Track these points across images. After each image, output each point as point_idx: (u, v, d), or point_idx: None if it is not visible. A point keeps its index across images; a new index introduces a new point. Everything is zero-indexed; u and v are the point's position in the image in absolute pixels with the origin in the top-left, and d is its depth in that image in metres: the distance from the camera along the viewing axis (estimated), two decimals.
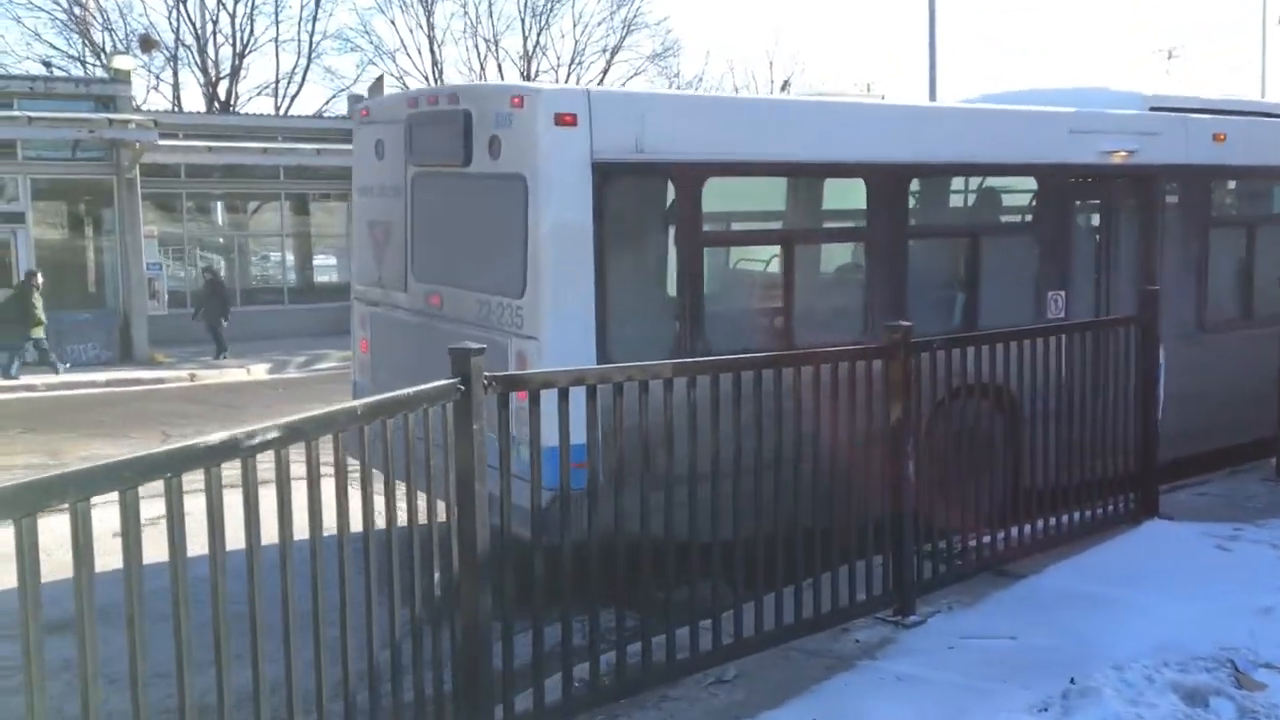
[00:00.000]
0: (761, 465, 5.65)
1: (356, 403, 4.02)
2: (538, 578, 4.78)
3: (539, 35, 39.60)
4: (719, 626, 5.54)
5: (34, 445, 13.24)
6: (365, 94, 31.18)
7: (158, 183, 22.72)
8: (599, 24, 41.50)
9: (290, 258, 27.14)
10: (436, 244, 8.01)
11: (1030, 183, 9.02)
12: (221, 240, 26.95)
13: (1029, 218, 9.22)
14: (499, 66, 38.25)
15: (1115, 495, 7.93)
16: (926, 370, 6.43)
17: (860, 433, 6.19)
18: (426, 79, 38.55)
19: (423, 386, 4.17)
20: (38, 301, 18.87)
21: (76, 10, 34.14)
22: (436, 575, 4.31)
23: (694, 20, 69.18)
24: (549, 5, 39.57)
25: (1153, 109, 9.80)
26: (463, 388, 4.35)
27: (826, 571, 6.11)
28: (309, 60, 38.11)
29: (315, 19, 38.03)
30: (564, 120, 6.81)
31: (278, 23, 38.45)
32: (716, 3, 68.11)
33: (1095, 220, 9.62)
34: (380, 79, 9.31)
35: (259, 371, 20.50)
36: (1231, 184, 10.34)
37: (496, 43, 38.88)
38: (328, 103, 39.02)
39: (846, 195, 8.09)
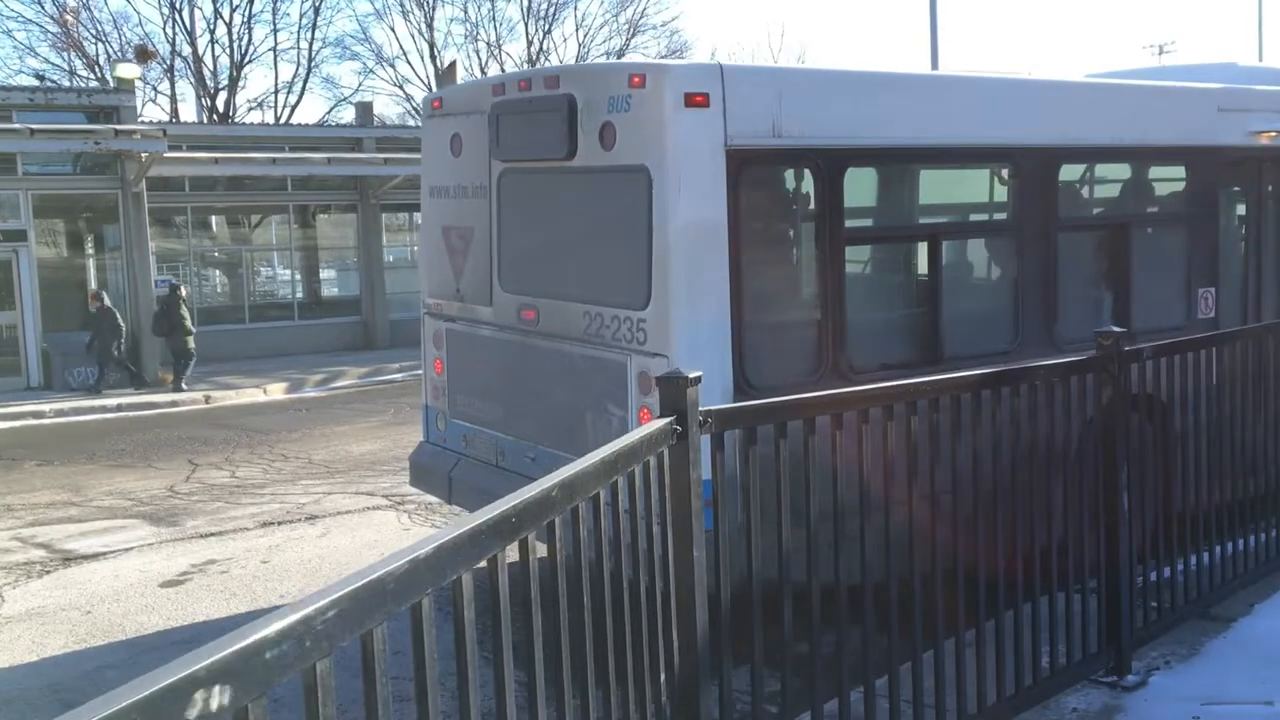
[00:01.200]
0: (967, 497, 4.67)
1: (539, 487, 2.73)
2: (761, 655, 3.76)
3: (542, 39, 38.66)
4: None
5: (53, 479, 12.18)
6: (357, 103, 30.39)
7: (160, 196, 21.62)
8: (602, 26, 40.43)
9: (298, 272, 26.09)
10: (530, 250, 7.01)
11: (1179, 168, 8.07)
12: (224, 255, 25.89)
13: (1178, 207, 8.25)
14: (501, 71, 37.22)
15: None
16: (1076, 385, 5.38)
17: (1058, 458, 5.20)
18: (428, 86, 37.51)
19: (629, 439, 3.12)
20: (185, 313, 19.05)
21: (66, 20, 33.02)
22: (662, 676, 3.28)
23: (699, 19, 68.49)
24: (551, 9, 38.63)
25: None
26: (679, 428, 3.34)
27: (1020, 609, 5.10)
28: (309, 69, 37.13)
29: (315, 27, 37.04)
30: (695, 101, 5.82)
31: (276, 31, 37.43)
32: (721, 1, 67.41)
33: (1244, 209, 8.66)
34: (453, 65, 8.46)
35: (276, 391, 19.44)
36: None
37: (499, 47, 37.88)
38: (329, 112, 38.05)
39: (1000, 184, 7.13)
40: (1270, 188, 8.58)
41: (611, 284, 6.29)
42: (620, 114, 6.05)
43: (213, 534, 9.59)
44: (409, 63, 39.47)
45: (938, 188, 7.40)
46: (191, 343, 19.18)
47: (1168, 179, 8.25)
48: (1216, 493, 6.22)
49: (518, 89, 6.87)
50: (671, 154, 5.83)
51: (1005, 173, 7.18)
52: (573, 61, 38.44)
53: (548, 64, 38.53)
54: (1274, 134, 8.28)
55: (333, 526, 9.72)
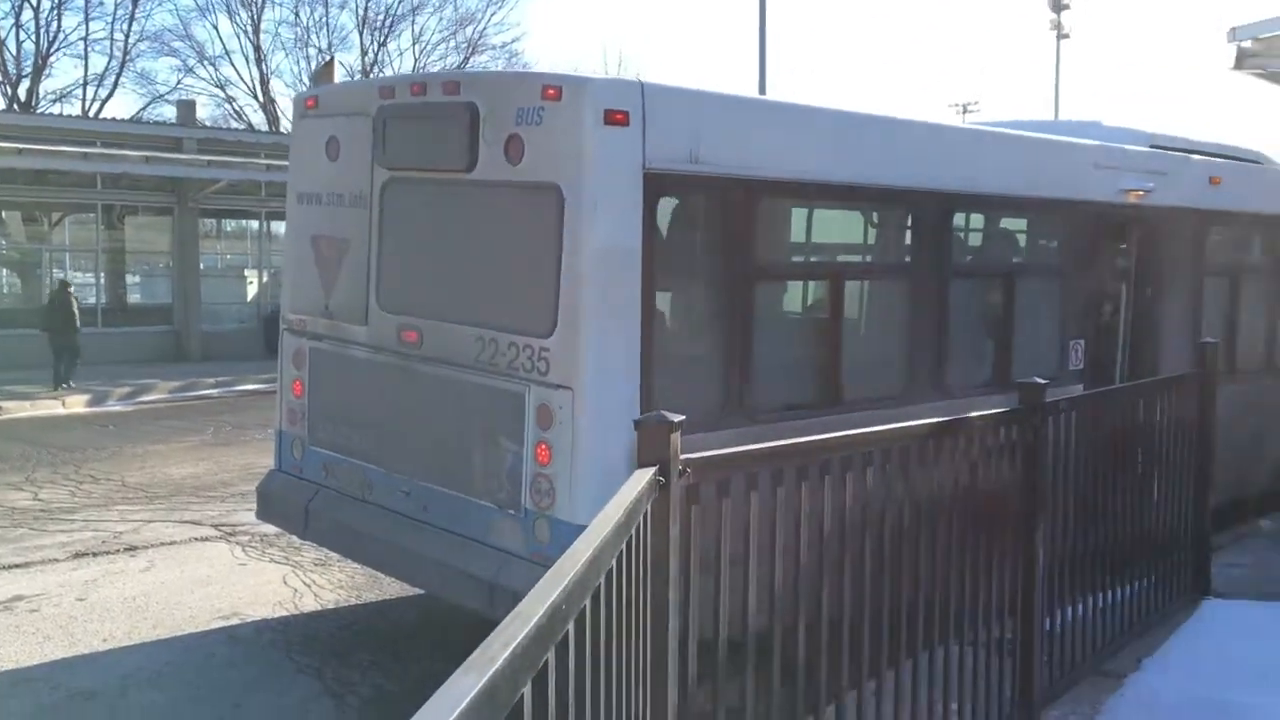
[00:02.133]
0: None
1: (574, 566, 2.06)
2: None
3: (377, 51, 37.55)
4: None
5: None
6: (179, 101, 28.67)
7: None
8: (440, 42, 39.52)
9: (103, 276, 24.23)
10: (415, 267, 6.45)
11: (1057, 221, 8.19)
12: (18, 254, 23.86)
13: (1054, 259, 8.39)
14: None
15: (1169, 570, 7.09)
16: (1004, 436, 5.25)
17: (977, 511, 5.05)
18: (253, 91, 35.91)
19: (630, 493, 2.67)
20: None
21: None
22: None
23: (540, 42, 68.32)
24: (388, 21, 37.58)
25: (1153, 146, 9.17)
26: (662, 480, 2.93)
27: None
28: (123, 62, 34.86)
29: (133, 19, 34.86)
30: (614, 119, 5.44)
31: (88, 20, 35.01)
32: (560, 23, 67.41)
33: (1113, 264, 8.88)
34: (330, 63, 7.84)
35: (76, 404, 17.88)
36: (1229, 228, 9.82)
37: (332, 56, 36.52)
38: (143, 109, 35.82)
39: (901, 227, 7.02)
40: (1137, 245, 8.83)
41: (510, 308, 5.82)
42: (530, 127, 5.62)
43: (17, 565, 8.53)
44: (232, 64, 37.75)
45: (845, 228, 7.26)
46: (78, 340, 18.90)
47: (1046, 231, 8.37)
48: (1097, 543, 6.21)
49: (410, 93, 6.33)
50: (588, 174, 5.43)
51: (906, 216, 7.09)
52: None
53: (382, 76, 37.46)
54: (1142, 193, 8.53)
55: (157, 559, 8.80)
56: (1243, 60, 11.11)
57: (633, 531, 2.65)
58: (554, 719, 1.77)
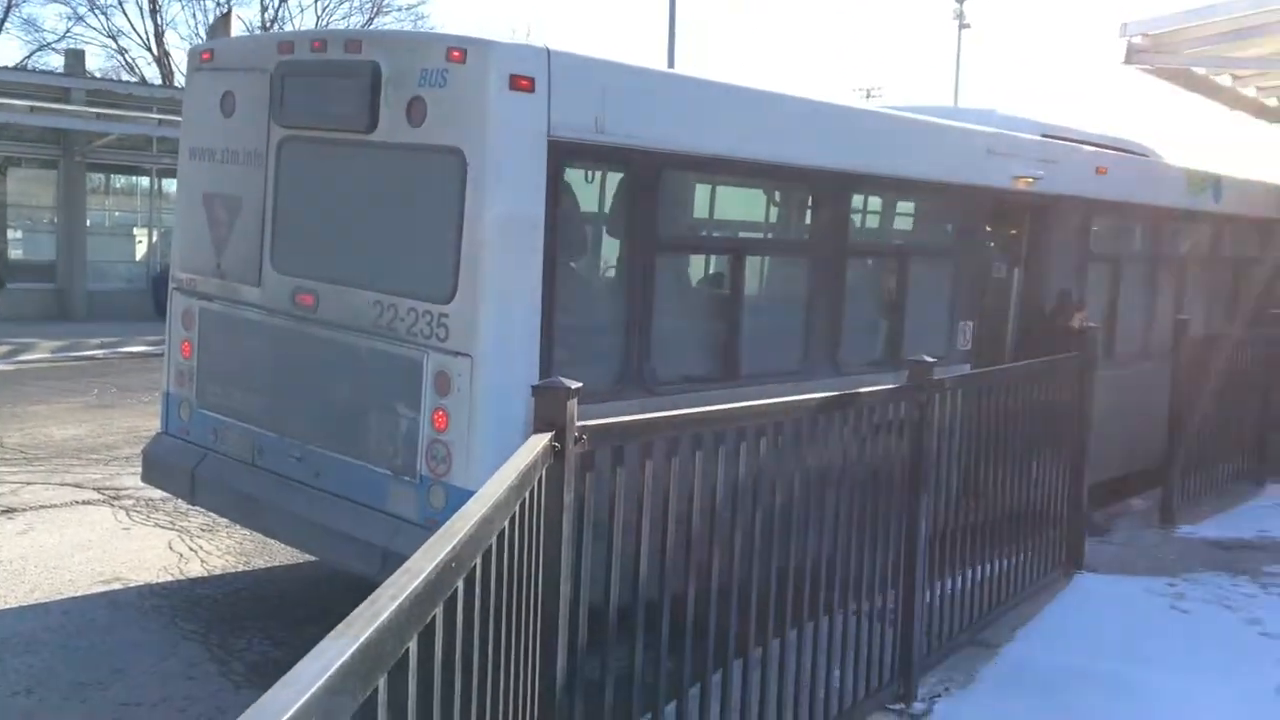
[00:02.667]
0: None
1: (466, 524, 2.04)
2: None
3: (278, 7, 36.54)
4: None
5: None
6: (67, 50, 27.56)
7: None
8: (343, 1, 38.61)
9: None
10: (312, 228, 6.34)
11: (951, 205, 8.39)
12: None
13: (946, 242, 8.59)
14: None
15: (1045, 545, 7.37)
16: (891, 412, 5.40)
17: (864, 483, 5.19)
18: (146, 43, 34.69)
19: (523, 459, 2.67)
20: None
21: None
22: None
23: (449, 6, 67.19)
24: None
25: (1044, 135, 9.44)
26: (557, 446, 2.95)
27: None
28: (8, 7, 33.34)
29: None
30: (519, 84, 5.41)
31: None
32: None
33: (1002, 249, 9.14)
34: (228, 15, 7.56)
35: None
36: (1116, 217, 10.17)
37: (229, 8, 35.44)
38: (29, 57, 34.33)
39: (801, 205, 7.12)
40: (1026, 230, 9.10)
41: (410, 273, 5.76)
42: (433, 89, 5.55)
43: None
44: (125, 14, 36.32)
45: (747, 203, 7.33)
46: None
47: (940, 214, 8.56)
48: (977, 518, 6.41)
49: (310, 49, 6.20)
50: (491, 138, 5.39)
51: (807, 194, 7.19)
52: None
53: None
54: (1032, 180, 8.78)
55: (36, 522, 8.52)
56: (1133, 55, 11.48)
57: (526, 495, 2.66)
58: (441, 676, 1.78)
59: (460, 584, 1.89)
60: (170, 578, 7.49)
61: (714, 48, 66.80)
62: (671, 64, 27.75)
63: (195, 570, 7.65)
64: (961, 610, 6.18)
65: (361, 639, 1.35)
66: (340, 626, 1.40)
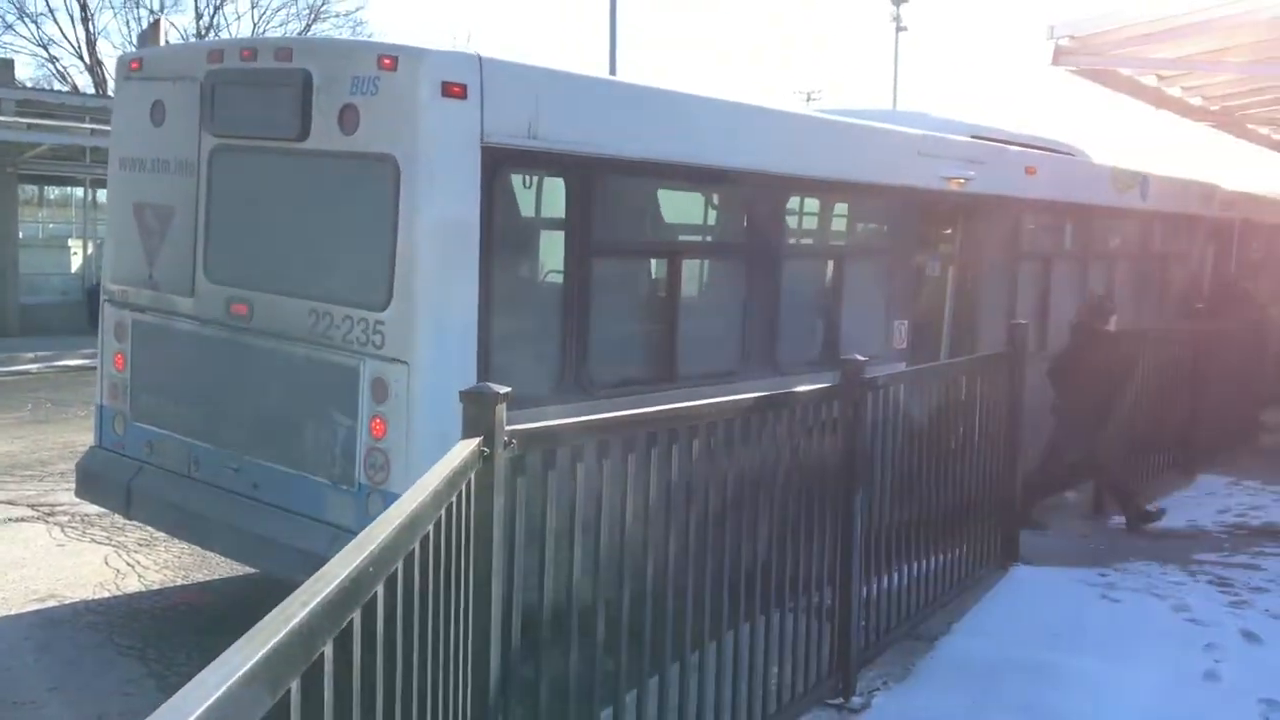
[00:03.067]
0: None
1: (386, 529, 2.08)
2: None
3: (213, 15, 36.04)
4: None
5: None
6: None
7: None
8: (280, 9, 38.18)
9: None
10: (245, 237, 6.30)
11: (885, 206, 8.52)
12: None
13: (881, 243, 8.72)
14: (165, 44, 34.29)
15: (981, 539, 7.50)
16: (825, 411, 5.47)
17: (799, 482, 5.26)
18: (78, 51, 34.08)
19: (450, 463, 2.69)
20: None
21: None
22: None
23: (387, 14, 66.69)
24: None
25: (974, 137, 9.62)
26: (486, 450, 2.98)
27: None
28: None
29: None
30: (452, 91, 5.42)
31: None
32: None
33: (935, 249, 9.29)
34: (157, 24, 7.45)
35: None
36: (1046, 215, 10.38)
37: (159, 16, 34.91)
38: None
39: (736, 208, 7.19)
40: (959, 230, 9.26)
41: (345, 281, 5.75)
42: (365, 97, 5.55)
43: None
44: (56, 22, 35.68)
45: (682, 207, 7.39)
46: None
47: (873, 215, 8.69)
48: (913, 514, 6.51)
49: (240, 57, 6.17)
50: (424, 145, 5.40)
51: (742, 197, 7.26)
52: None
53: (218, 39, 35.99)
54: (963, 180, 8.93)
55: None
56: (1060, 56, 11.69)
57: (454, 499, 2.68)
58: (362, 678, 1.80)
59: (381, 588, 1.91)
60: (107, 594, 7.39)
61: (657, 55, 67.19)
62: (613, 71, 27.87)
63: (133, 586, 7.56)
64: (899, 605, 6.28)
65: (269, 645, 1.37)
66: (250, 632, 1.42)
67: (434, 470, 2.56)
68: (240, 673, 1.30)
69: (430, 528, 2.36)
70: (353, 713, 1.79)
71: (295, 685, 1.49)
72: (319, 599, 1.58)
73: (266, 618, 1.51)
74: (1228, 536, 8.85)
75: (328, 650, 1.64)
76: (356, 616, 1.79)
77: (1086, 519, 9.40)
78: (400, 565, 2.09)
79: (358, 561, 1.78)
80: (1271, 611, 6.89)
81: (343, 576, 1.70)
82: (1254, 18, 10.39)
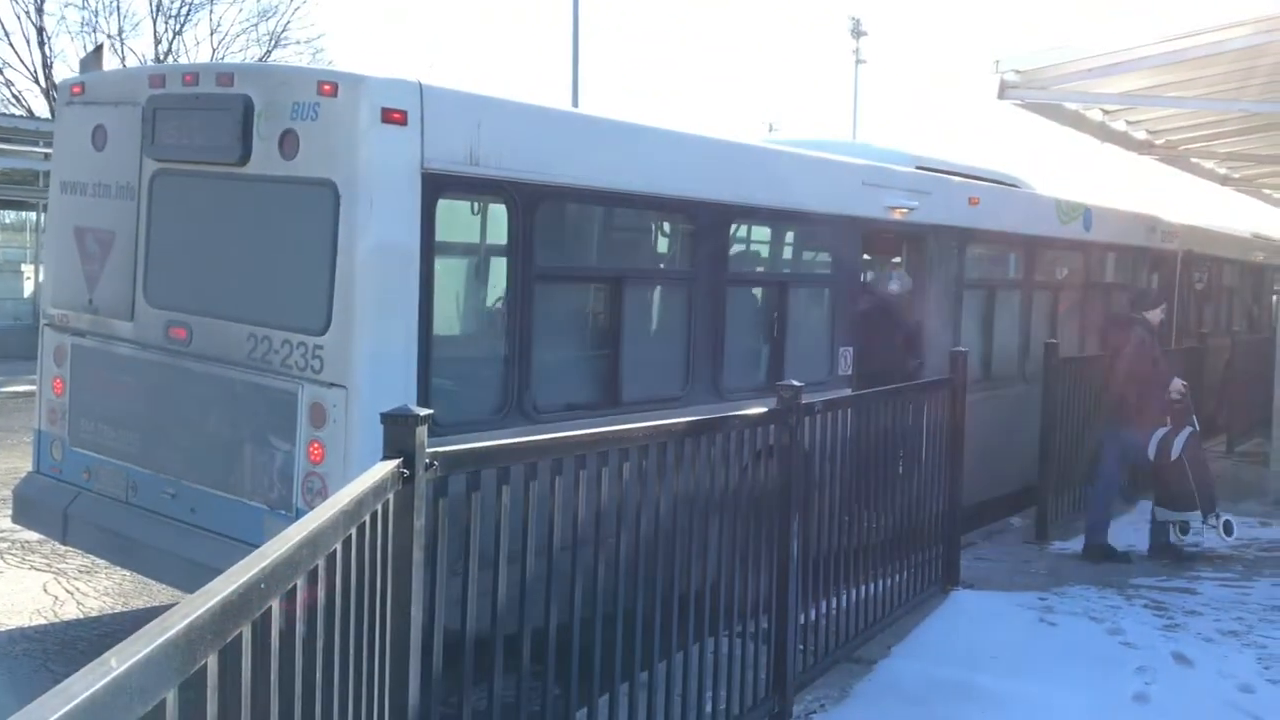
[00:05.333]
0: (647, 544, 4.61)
1: (284, 546, 2.10)
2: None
3: (172, 39, 35.85)
4: None
5: None
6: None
7: None
8: (240, 34, 38.04)
9: None
10: (185, 261, 6.29)
11: (829, 235, 8.62)
12: None
13: (826, 271, 8.82)
14: (123, 66, 34.08)
15: (922, 563, 7.58)
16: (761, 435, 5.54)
17: (735, 505, 5.31)
18: (34, 75, 33.78)
19: (363, 484, 2.72)
20: None
21: None
22: None
23: (348, 40, 66.73)
24: (185, 9, 35.94)
25: (919, 168, 9.77)
26: (405, 472, 3.01)
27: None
28: None
29: None
30: (392, 117, 5.47)
31: None
32: (372, 23, 66.11)
33: (877, 276, 9.41)
34: (100, 49, 7.43)
35: None
36: (985, 246, 10.54)
37: (122, 41, 34.73)
38: None
39: (679, 236, 7.27)
40: (903, 259, 9.39)
41: (284, 305, 5.75)
42: (305, 122, 5.58)
43: None
44: (11, 45, 35.26)
45: (625, 234, 7.45)
46: None
47: (818, 244, 8.79)
48: (853, 538, 6.58)
49: (181, 82, 6.18)
50: (364, 171, 5.43)
51: (685, 225, 7.34)
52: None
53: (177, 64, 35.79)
54: (906, 210, 9.07)
55: None
56: (1005, 90, 11.92)
57: (368, 519, 2.70)
58: (252, 692, 1.82)
59: (275, 604, 1.93)
60: (44, 620, 7.29)
61: (619, 84, 67.63)
62: (575, 100, 28.00)
63: (71, 613, 7.46)
64: (838, 628, 6.34)
65: (141, 654, 1.39)
66: (125, 641, 1.44)
67: (345, 489, 2.59)
68: (105, 680, 1.31)
69: (339, 545, 2.38)
70: None
71: (172, 695, 1.51)
72: (201, 610, 1.61)
73: (145, 628, 1.53)
74: (1165, 561, 8.99)
75: (211, 662, 1.66)
76: (246, 630, 1.80)
77: (1030, 543, 9.51)
78: (302, 581, 2.11)
79: (248, 576, 1.80)
80: (1203, 635, 7.00)
81: (229, 590, 1.72)
82: (1192, 55, 10.67)
